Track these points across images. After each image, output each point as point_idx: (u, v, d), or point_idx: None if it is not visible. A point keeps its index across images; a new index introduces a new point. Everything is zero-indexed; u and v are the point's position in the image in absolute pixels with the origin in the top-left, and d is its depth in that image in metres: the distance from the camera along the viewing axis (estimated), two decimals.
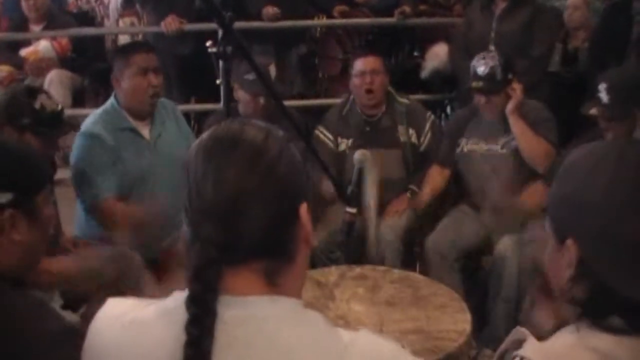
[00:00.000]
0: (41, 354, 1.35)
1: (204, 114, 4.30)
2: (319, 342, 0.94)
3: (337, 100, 3.84)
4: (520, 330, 1.08)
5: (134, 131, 2.94)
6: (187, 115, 4.02)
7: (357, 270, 2.47)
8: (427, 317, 2.12)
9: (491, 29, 3.79)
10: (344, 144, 3.47)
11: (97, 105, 4.22)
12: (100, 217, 2.86)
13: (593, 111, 2.74)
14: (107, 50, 5.13)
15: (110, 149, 2.84)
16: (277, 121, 3.11)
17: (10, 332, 1.35)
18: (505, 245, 3.06)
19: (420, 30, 4.78)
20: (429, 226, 3.33)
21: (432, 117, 3.60)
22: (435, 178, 3.42)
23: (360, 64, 3.47)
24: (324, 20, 4.69)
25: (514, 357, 1.02)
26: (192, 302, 0.92)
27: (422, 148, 3.49)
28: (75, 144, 2.89)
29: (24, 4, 4.76)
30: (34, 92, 2.66)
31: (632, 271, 0.99)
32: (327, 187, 3.12)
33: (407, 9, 4.48)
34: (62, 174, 3.23)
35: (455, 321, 2.09)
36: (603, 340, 0.98)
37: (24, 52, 4.74)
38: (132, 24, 5.11)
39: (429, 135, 3.48)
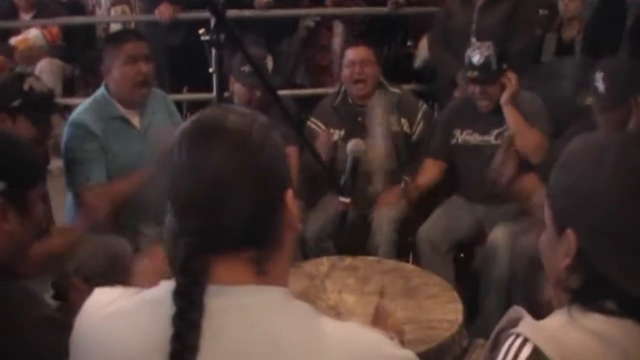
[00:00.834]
0: (30, 342, 1.35)
1: (196, 104, 4.29)
2: (305, 332, 0.94)
3: (329, 90, 3.83)
4: (516, 309, 1.09)
5: (124, 120, 2.93)
6: (179, 104, 3.99)
7: (348, 260, 2.47)
8: (419, 307, 2.12)
9: (472, 21, 3.77)
10: (335, 134, 3.47)
11: (87, 94, 4.20)
12: (85, 205, 2.84)
13: (589, 101, 2.74)
14: (98, 39, 5.10)
15: (99, 138, 2.83)
16: (272, 112, 3.13)
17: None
18: (497, 235, 3.06)
19: (413, 20, 4.77)
20: (423, 217, 3.33)
21: (425, 106, 3.59)
22: (430, 170, 3.42)
23: (350, 54, 3.46)
24: (317, 10, 4.67)
25: (510, 335, 1.03)
26: (179, 295, 0.91)
27: (414, 137, 3.48)
28: (65, 133, 2.88)
29: None
30: (22, 76, 2.67)
31: (631, 264, 0.99)
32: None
33: None
34: (53, 163, 3.22)
35: (447, 311, 2.09)
36: (594, 320, 0.99)
37: (14, 40, 4.72)
38: (124, 13, 5.08)
39: (421, 124, 3.47)
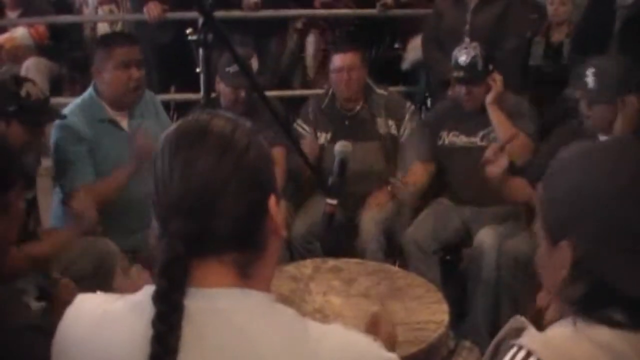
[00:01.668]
0: (12, 349, 1.34)
1: (184, 104, 4.27)
2: (288, 337, 0.93)
3: (319, 91, 3.83)
4: (519, 319, 1.07)
5: (113, 122, 2.91)
6: (166, 104, 3.98)
7: (331, 262, 2.47)
8: (405, 308, 2.12)
9: (465, 21, 3.78)
10: (322, 137, 3.47)
11: (74, 93, 4.19)
12: (74, 207, 2.83)
13: (577, 94, 2.76)
14: (85, 39, 5.06)
15: (86, 140, 2.82)
16: (258, 112, 3.12)
17: None
18: (484, 237, 3.07)
19: (402, 22, 4.77)
20: (410, 219, 3.34)
21: (412, 107, 3.60)
22: (418, 175, 3.42)
23: (338, 60, 3.45)
24: (306, 11, 4.66)
25: (512, 346, 1.01)
26: (159, 298, 0.91)
27: (403, 139, 3.48)
28: (53, 135, 2.87)
29: None
30: (20, 80, 2.65)
31: (633, 268, 0.98)
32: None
33: (388, 0, 4.46)
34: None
35: (433, 312, 2.09)
36: (601, 332, 0.97)
37: (0, 38, 4.67)
38: (111, 12, 5.04)
39: (409, 125, 3.48)
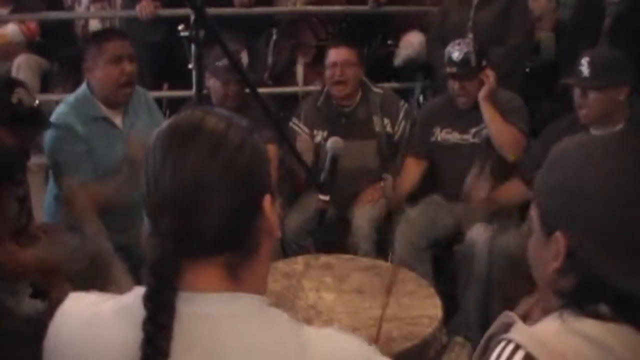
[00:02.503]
0: None
1: (176, 101, 4.26)
2: (280, 341, 0.92)
3: (310, 88, 3.83)
4: (508, 314, 1.07)
5: (107, 120, 2.90)
6: (159, 101, 3.98)
7: (323, 259, 2.47)
8: (399, 304, 2.13)
9: (468, 18, 3.80)
10: (319, 135, 3.47)
11: (65, 90, 4.17)
12: (71, 204, 2.82)
13: (571, 81, 2.80)
14: (77, 36, 5.05)
15: (82, 140, 2.81)
16: (249, 108, 3.12)
17: None
18: (476, 233, 3.08)
19: (394, 19, 4.77)
20: (401, 215, 3.35)
21: (406, 105, 3.61)
22: (411, 173, 3.43)
23: (332, 55, 3.45)
24: (297, 7, 4.66)
25: (501, 340, 1.02)
26: (149, 299, 0.90)
27: (396, 137, 3.49)
28: (48, 134, 2.84)
29: None
30: (12, 85, 2.61)
31: (626, 262, 0.98)
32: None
33: None
34: (31, 160, 3.19)
35: (425, 306, 2.11)
36: (588, 325, 0.98)
37: None
38: (103, 9, 5.02)
39: (402, 123, 3.49)
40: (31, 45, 4.68)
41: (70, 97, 2.94)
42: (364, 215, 3.29)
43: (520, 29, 3.79)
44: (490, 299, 3.03)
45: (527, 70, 4.16)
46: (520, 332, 1.01)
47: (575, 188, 1.02)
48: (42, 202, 3.04)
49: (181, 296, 0.91)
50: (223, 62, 3.14)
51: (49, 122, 2.80)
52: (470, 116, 3.25)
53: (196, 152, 0.93)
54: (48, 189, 3.03)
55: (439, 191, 3.40)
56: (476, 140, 3.26)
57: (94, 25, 4.88)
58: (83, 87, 2.93)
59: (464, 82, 3.21)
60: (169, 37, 4.09)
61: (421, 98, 4.71)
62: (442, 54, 3.39)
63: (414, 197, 3.46)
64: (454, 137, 3.32)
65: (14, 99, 2.50)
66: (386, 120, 3.47)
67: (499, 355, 1.00)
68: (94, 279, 2.46)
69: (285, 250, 3.24)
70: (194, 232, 0.92)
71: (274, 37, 4.68)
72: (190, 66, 2.15)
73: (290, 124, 3.53)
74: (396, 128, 3.48)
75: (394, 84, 4.45)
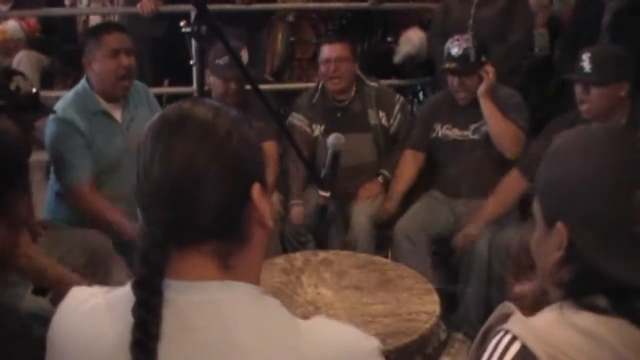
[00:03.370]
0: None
1: (177, 97, 4.26)
2: (274, 329, 0.93)
3: (311, 85, 3.83)
4: (506, 305, 1.08)
5: (106, 114, 2.91)
6: (159, 98, 3.98)
7: (322, 255, 2.47)
8: (396, 299, 2.13)
9: (469, 15, 3.80)
10: (317, 130, 3.48)
11: (65, 87, 4.17)
12: (74, 200, 2.84)
13: (573, 77, 2.82)
14: (77, 32, 5.05)
15: (83, 133, 2.81)
16: (250, 105, 3.12)
17: None
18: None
19: (394, 15, 4.78)
20: (401, 211, 3.35)
21: (401, 98, 3.62)
22: (408, 167, 3.44)
23: (326, 51, 3.46)
24: (298, 4, 4.66)
25: (499, 331, 1.03)
26: (139, 286, 0.90)
27: (391, 130, 3.50)
28: (49, 130, 2.85)
29: None
30: (10, 73, 2.63)
31: (623, 254, 1.00)
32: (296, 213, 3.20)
33: None
34: (32, 156, 3.19)
35: (423, 302, 2.11)
36: (585, 318, 0.99)
37: None
38: (104, 6, 5.02)
39: (398, 116, 3.50)
40: (31, 42, 4.67)
41: (70, 93, 2.95)
42: (363, 211, 3.29)
43: (522, 26, 3.79)
44: (490, 294, 3.03)
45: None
46: (517, 323, 1.02)
47: (575, 179, 1.03)
48: (43, 199, 3.05)
49: (172, 285, 0.92)
50: (223, 59, 3.15)
51: (48, 108, 2.81)
52: (470, 112, 3.26)
53: (184, 141, 0.94)
54: (49, 185, 3.04)
55: (438, 187, 3.41)
56: (476, 136, 3.26)
57: (95, 22, 4.88)
58: (82, 82, 2.93)
59: (463, 78, 3.22)
60: (170, 34, 4.09)
61: (421, 95, 4.72)
62: (443, 50, 3.39)
63: (413, 193, 3.46)
64: (453, 133, 3.33)
65: (12, 87, 2.51)
66: (381, 114, 3.48)
67: (496, 346, 1.01)
68: (93, 274, 2.46)
69: (285, 247, 3.24)
70: (183, 220, 0.93)
71: None
72: (191, 62, 2.16)
73: (290, 118, 3.54)
74: (392, 121, 3.49)
75: (394, 81, 4.46)
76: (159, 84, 4.48)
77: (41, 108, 2.75)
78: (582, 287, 1.01)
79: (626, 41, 3.12)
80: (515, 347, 0.99)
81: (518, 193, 3.08)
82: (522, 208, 3.22)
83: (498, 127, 3.16)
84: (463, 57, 3.18)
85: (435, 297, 2.14)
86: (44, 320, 1.04)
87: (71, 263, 2.52)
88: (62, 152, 2.82)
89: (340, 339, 0.95)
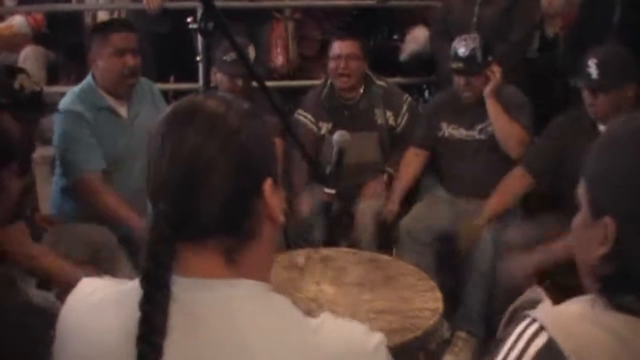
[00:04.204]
0: (6, 331, 1.34)
1: (183, 93, 4.26)
2: (283, 326, 0.92)
3: (315, 82, 3.83)
4: (537, 290, 1.07)
5: (111, 110, 2.92)
6: (165, 94, 3.98)
7: (324, 252, 2.47)
8: (399, 296, 2.13)
9: (473, 13, 3.79)
10: (324, 127, 3.48)
11: (70, 82, 4.18)
12: (83, 193, 2.84)
13: (580, 83, 2.82)
14: (85, 27, 5.05)
15: (91, 127, 2.82)
16: (255, 103, 3.12)
17: None
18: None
19: (400, 13, 4.77)
20: (405, 209, 3.35)
21: (409, 98, 3.62)
22: (411, 166, 3.43)
23: (336, 48, 3.46)
24: (303, 1, 4.65)
25: (526, 316, 1.00)
26: (145, 280, 0.90)
27: (399, 130, 3.50)
28: (57, 122, 2.86)
29: None
30: (14, 71, 2.63)
31: None
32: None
33: None
34: (37, 152, 3.21)
35: (426, 300, 2.11)
36: (614, 318, 0.96)
37: None
38: (112, 1, 5.03)
39: (406, 116, 3.50)
40: (37, 37, 4.68)
41: (76, 88, 2.96)
42: (367, 209, 3.29)
43: (524, 26, 3.79)
44: (494, 293, 3.03)
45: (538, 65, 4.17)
46: (546, 313, 1.00)
47: (628, 173, 0.98)
48: (48, 194, 3.05)
49: (180, 281, 0.91)
50: (230, 56, 3.15)
51: (52, 106, 2.81)
52: (476, 112, 3.25)
53: (193, 134, 0.93)
54: (54, 180, 3.04)
55: (442, 186, 3.40)
56: (482, 136, 3.26)
57: (103, 16, 4.88)
58: (88, 78, 2.94)
59: (470, 78, 3.21)
60: (176, 30, 4.09)
61: (427, 93, 4.71)
62: (446, 49, 3.39)
63: (418, 192, 3.46)
64: (459, 133, 3.33)
65: (16, 85, 2.51)
66: (389, 113, 3.48)
67: (522, 333, 0.98)
68: (97, 268, 2.47)
69: (289, 244, 3.24)
70: (190, 213, 0.93)
71: None
72: (198, 58, 2.16)
73: (296, 114, 3.54)
74: (399, 120, 3.49)
75: (400, 79, 4.46)
76: (165, 80, 4.49)
77: (44, 106, 2.75)
78: (619, 285, 0.98)
79: (637, 37, 3.12)
80: (541, 340, 0.96)
81: (521, 190, 3.08)
82: (525, 207, 3.23)
83: (503, 128, 3.16)
84: (470, 57, 3.18)
85: (438, 294, 2.14)
86: (50, 314, 1.05)
87: (76, 258, 2.53)
88: (72, 145, 2.82)
89: (347, 335, 0.95)
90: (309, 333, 0.93)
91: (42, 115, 2.80)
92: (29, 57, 4.49)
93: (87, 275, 1.07)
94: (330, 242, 2.67)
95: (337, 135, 2.32)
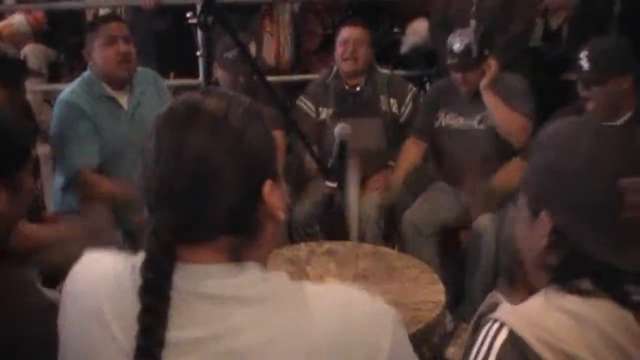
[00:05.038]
0: (21, 329, 1.35)
1: (184, 89, 4.25)
2: (285, 295, 0.92)
3: (315, 76, 3.83)
4: (494, 294, 1.12)
5: (112, 100, 2.93)
6: None
7: (326, 245, 2.48)
8: (402, 289, 2.14)
9: (472, 4, 3.78)
10: (324, 113, 3.48)
11: (72, 79, 4.16)
12: (81, 186, 2.84)
13: (573, 76, 2.80)
14: (84, 25, 5.05)
15: (89, 117, 2.84)
16: (257, 95, 3.12)
17: None
18: (483, 220, 3.08)
19: (401, 6, 4.76)
20: (408, 202, 3.35)
21: (414, 88, 3.63)
22: (411, 152, 3.43)
23: (345, 33, 3.48)
24: None
25: (488, 320, 1.05)
26: (144, 291, 0.88)
27: (402, 119, 3.51)
28: (55, 113, 2.89)
29: None
30: None
31: (608, 237, 1.01)
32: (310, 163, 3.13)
33: None
34: (39, 149, 3.21)
35: (429, 292, 2.12)
36: (571, 301, 1.00)
37: None
38: None
39: (410, 105, 3.51)
40: (38, 35, 4.69)
41: (76, 80, 2.98)
42: (371, 202, 3.29)
43: (523, 17, 3.77)
44: (497, 285, 3.03)
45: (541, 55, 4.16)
46: (505, 311, 1.04)
47: (560, 168, 1.05)
48: (50, 191, 3.06)
49: (182, 268, 0.90)
50: (232, 53, 3.15)
51: (36, 70, 2.86)
52: (475, 101, 3.24)
53: (196, 135, 0.90)
54: (56, 177, 3.05)
55: (443, 177, 3.40)
56: (482, 126, 3.25)
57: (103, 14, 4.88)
58: (87, 71, 2.96)
59: (466, 73, 3.20)
60: (175, 26, 4.09)
61: (427, 86, 4.70)
62: (445, 40, 3.38)
63: (420, 184, 3.46)
64: (458, 122, 3.32)
65: None
66: (392, 101, 3.49)
67: (486, 335, 1.03)
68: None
69: (293, 238, 3.25)
70: (194, 219, 0.91)
71: None
72: (198, 54, 2.16)
73: (298, 101, 3.55)
74: (403, 109, 3.50)
75: (401, 72, 4.45)
76: (165, 76, 4.48)
77: (29, 70, 2.79)
78: (568, 271, 1.03)
79: (637, 29, 3.10)
80: (503, 334, 1.00)
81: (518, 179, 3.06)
82: None
83: (503, 118, 3.15)
84: (465, 53, 3.17)
85: (441, 287, 2.15)
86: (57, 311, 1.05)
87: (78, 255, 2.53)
88: (67, 136, 2.83)
89: (354, 297, 0.95)
90: (309, 310, 0.91)
91: (26, 76, 2.83)
92: (30, 55, 4.50)
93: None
94: (333, 235, 2.67)
95: (339, 128, 2.32)
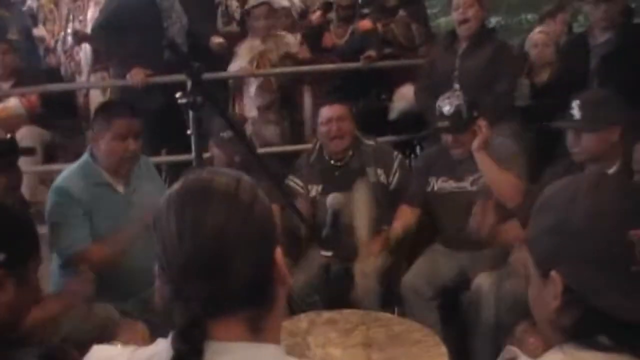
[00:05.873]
0: None
1: (176, 166, 4.30)
2: None
3: (308, 146, 3.88)
4: (510, 349, 1.10)
5: (109, 186, 2.94)
6: (158, 167, 4.01)
7: (326, 315, 2.47)
8: (406, 354, 2.13)
9: (455, 67, 3.86)
10: (314, 190, 3.51)
11: (68, 160, 4.21)
12: (77, 265, 2.83)
13: (564, 124, 2.85)
14: (78, 106, 5.14)
15: (82, 203, 2.84)
16: (251, 172, 3.15)
17: None
18: (482, 279, 3.08)
19: (387, 73, 4.86)
20: (405, 267, 3.35)
21: (400, 155, 3.66)
22: (406, 215, 3.45)
23: (326, 112, 3.52)
24: (291, 68, 4.74)
25: None
26: (177, 345, 0.92)
27: (392, 187, 3.52)
28: (49, 199, 2.89)
29: None
30: None
31: (621, 291, 1.01)
32: None
33: (372, 54, 4.55)
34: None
35: (432, 355, 2.11)
36: (588, 356, 1.00)
37: None
38: (103, 79, 5.12)
39: (397, 173, 3.53)
40: (32, 117, 4.75)
41: (74, 165, 2.99)
42: (367, 268, 3.28)
43: (508, 76, 3.84)
44: (500, 344, 3.01)
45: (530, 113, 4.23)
46: None
47: (565, 227, 1.05)
48: (48, 272, 3.05)
49: (208, 345, 0.93)
50: (227, 133, 3.19)
51: (29, 149, 2.85)
52: (466, 164, 3.28)
53: (212, 213, 0.96)
54: (53, 257, 3.05)
55: (440, 240, 3.41)
56: (474, 188, 3.27)
57: (95, 95, 4.97)
58: (85, 156, 2.97)
59: (457, 135, 3.24)
60: (166, 104, 4.16)
61: (418, 149, 4.76)
62: (431, 104, 3.43)
63: (418, 248, 3.46)
64: (450, 185, 3.35)
65: None
66: (380, 171, 3.51)
67: None
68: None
69: (293, 309, 3.23)
70: (221, 291, 0.95)
71: None
72: (189, 132, 2.20)
73: (287, 181, 3.57)
74: (391, 178, 3.52)
75: (390, 137, 4.51)
76: (157, 153, 4.53)
77: (22, 149, 2.80)
78: (583, 330, 1.02)
79: (614, 86, 3.16)
80: None
81: (517, 240, 3.07)
82: None
83: (496, 180, 3.15)
84: (455, 115, 3.21)
85: (443, 350, 2.14)
86: None
87: (79, 338, 2.51)
88: (60, 221, 2.84)
89: None
90: None
91: (18, 157, 2.83)
92: (26, 138, 4.54)
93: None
94: (332, 304, 2.66)
95: (331, 199, 2.35)
